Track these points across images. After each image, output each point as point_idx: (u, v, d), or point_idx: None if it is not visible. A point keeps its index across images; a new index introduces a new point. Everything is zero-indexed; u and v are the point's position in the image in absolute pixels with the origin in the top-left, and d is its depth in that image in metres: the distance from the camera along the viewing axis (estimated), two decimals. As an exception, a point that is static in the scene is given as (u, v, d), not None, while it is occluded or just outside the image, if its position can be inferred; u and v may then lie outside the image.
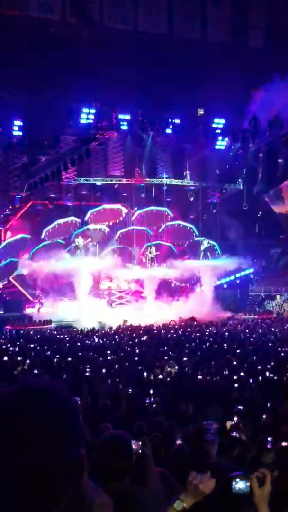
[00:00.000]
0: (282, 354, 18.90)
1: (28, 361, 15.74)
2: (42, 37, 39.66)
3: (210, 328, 29.61)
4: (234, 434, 7.87)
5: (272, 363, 16.45)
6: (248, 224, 43.68)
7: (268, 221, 46.66)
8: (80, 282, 35.05)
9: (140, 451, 3.54)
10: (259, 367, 15.86)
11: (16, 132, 36.39)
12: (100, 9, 44.13)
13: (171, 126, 37.92)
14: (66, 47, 40.07)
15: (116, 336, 25.63)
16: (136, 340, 23.62)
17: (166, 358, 18.26)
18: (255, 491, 2.61)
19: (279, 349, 20.27)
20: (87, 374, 14.34)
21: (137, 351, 19.77)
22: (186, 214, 43.04)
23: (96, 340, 24.07)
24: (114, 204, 40.40)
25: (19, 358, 16.36)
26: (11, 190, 38.09)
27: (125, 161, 40.89)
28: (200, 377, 14.27)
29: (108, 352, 19.54)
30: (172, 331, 27.86)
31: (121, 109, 35.71)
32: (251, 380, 13.87)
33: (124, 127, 36.30)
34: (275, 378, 14.15)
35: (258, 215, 46.85)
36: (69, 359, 17.36)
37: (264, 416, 10.09)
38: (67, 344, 21.97)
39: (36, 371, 13.43)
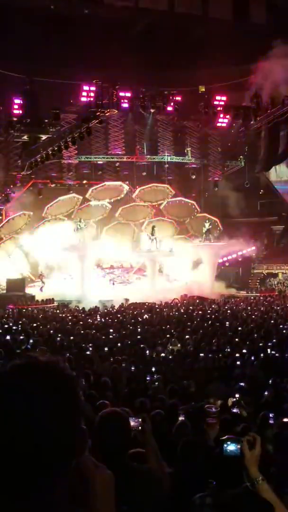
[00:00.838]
0: (284, 331, 18.98)
1: (31, 340, 15.84)
2: (42, 15, 39.20)
3: (213, 306, 29.69)
4: (235, 410, 7.93)
5: (274, 341, 16.53)
6: (250, 202, 43.55)
7: (270, 198, 46.52)
8: (82, 261, 35.11)
9: (140, 428, 3.56)
10: (260, 345, 15.95)
11: (16, 111, 36.14)
12: (101, -15, 43.55)
13: (172, 104, 37.61)
14: (66, 24, 39.63)
15: (119, 315, 25.71)
16: (139, 319, 23.71)
17: (168, 336, 18.36)
18: (246, 454, 2.67)
19: (281, 326, 20.35)
20: (89, 352, 14.44)
21: (140, 329, 19.85)
22: (188, 192, 42.91)
23: (99, 318, 24.17)
24: (115, 182, 40.33)
25: (21, 337, 16.45)
26: (12, 169, 37.96)
27: (126, 139, 40.66)
28: (202, 355, 14.35)
29: (111, 330, 19.64)
30: (174, 310, 27.96)
31: (122, 87, 35.41)
32: (252, 358, 13.95)
33: (125, 104, 36.03)
34: (277, 355, 14.23)
35: (260, 192, 46.68)
36: (72, 337, 17.46)
37: (266, 393, 10.17)
38: (70, 323, 22.06)
39: (38, 350, 13.51)
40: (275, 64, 35.59)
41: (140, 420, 3.58)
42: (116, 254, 38.19)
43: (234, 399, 9.60)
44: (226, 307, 29.23)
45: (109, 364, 12.78)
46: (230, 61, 38.67)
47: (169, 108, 37.90)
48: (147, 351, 15.15)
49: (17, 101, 36.12)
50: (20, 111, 36.20)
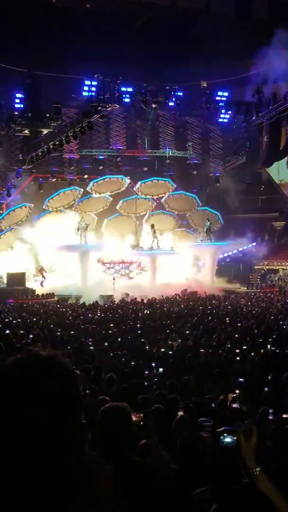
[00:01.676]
0: (284, 327, 18.99)
1: (31, 335, 15.86)
2: (43, 9, 39.09)
3: (213, 302, 29.69)
4: (235, 405, 7.93)
5: (274, 336, 16.54)
6: (250, 198, 43.52)
7: (271, 194, 46.51)
8: (83, 259, 35.30)
9: (141, 423, 3.57)
10: (260, 340, 15.96)
11: (18, 105, 36.11)
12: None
13: (173, 99, 37.55)
14: (68, 19, 39.54)
15: (119, 310, 25.72)
16: (139, 314, 23.72)
17: (168, 331, 18.37)
18: (242, 445, 2.68)
19: (281, 322, 20.36)
20: (90, 347, 14.46)
21: (140, 324, 19.87)
22: (189, 188, 42.89)
23: (99, 313, 24.18)
24: (116, 176, 40.36)
25: (21, 331, 16.47)
26: (13, 163, 37.94)
27: (128, 134, 40.63)
28: (202, 350, 14.37)
29: (111, 325, 19.66)
30: (174, 305, 27.97)
31: (124, 82, 35.34)
32: (252, 353, 13.96)
33: (127, 99, 35.97)
34: (277, 351, 14.25)
35: (261, 188, 46.66)
36: (72, 332, 17.48)
37: (265, 389, 10.19)
38: (70, 318, 22.09)
39: (39, 344, 13.53)
40: (277, 60, 35.51)
41: (141, 415, 3.59)
42: (117, 253, 38.21)
43: (234, 395, 9.62)
44: (226, 303, 29.24)
45: (109, 359, 12.81)
46: (232, 56, 38.56)
47: (171, 103, 37.85)
48: (147, 346, 15.17)
49: (18, 95, 36.11)
50: (22, 105, 36.19)
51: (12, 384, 1.33)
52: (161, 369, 11.86)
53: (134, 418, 3.43)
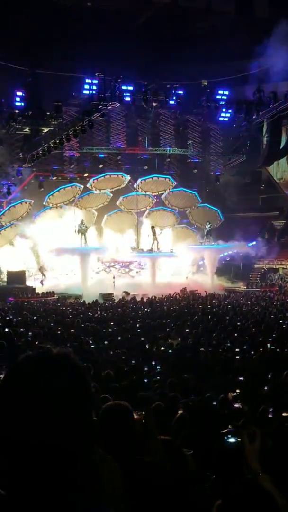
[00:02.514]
0: (284, 326, 19.01)
1: (30, 333, 15.89)
2: (45, 7, 39.07)
3: (213, 301, 29.72)
4: (237, 405, 7.96)
5: (274, 335, 16.56)
6: (251, 197, 43.52)
7: (271, 193, 46.48)
8: (83, 260, 35.59)
9: (142, 421, 3.58)
10: (260, 339, 15.98)
11: (18, 103, 36.09)
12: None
13: (174, 97, 37.53)
14: (68, 17, 39.51)
15: (119, 308, 25.75)
16: (139, 312, 23.75)
17: (168, 330, 18.40)
18: (246, 447, 2.70)
19: (281, 321, 20.37)
20: (90, 345, 14.48)
21: (140, 323, 19.89)
22: (189, 186, 42.90)
23: (99, 312, 24.21)
24: (117, 173, 40.43)
25: (21, 330, 16.50)
26: (13, 161, 37.92)
27: (128, 133, 40.62)
28: (202, 349, 14.39)
29: (111, 323, 19.69)
30: (174, 304, 27.99)
31: (124, 80, 35.31)
32: (252, 352, 13.99)
33: (127, 98, 35.94)
34: (277, 350, 14.27)
35: (261, 187, 46.65)
36: (72, 330, 17.50)
37: (265, 387, 10.21)
38: (70, 316, 22.11)
39: (38, 342, 13.54)
40: (278, 58, 35.51)
41: (142, 413, 3.61)
42: (117, 254, 38.29)
43: (234, 393, 9.65)
44: (226, 302, 29.27)
45: (109, 357, 12.84)
46: (232, 55, 38.54)
47: (171, 102, 37.82)
48: (147, 345, 15.20)
49: (19, 93, 36.08)
50: (22, 104, 36.16)
51: (25, 381, 1.35)
52: (160, 368, 11.90)
53: (135, 416, 3.44)
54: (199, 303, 27.89)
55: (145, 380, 10.28)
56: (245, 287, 38.75)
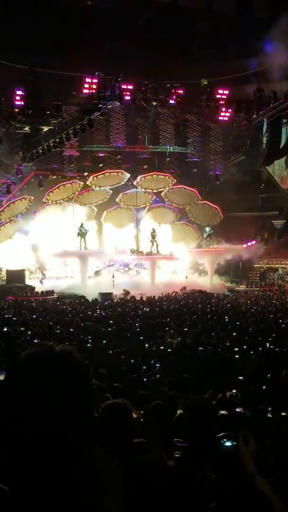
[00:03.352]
0: (283, 326, 19.02)
1: (29, 332, 15.88)
2: (44, 6, 39.06)
3: (212, 300, 29.73)
4: (238, 410, 7.93)
5: (274, 335, 16.57)
6: (250, 196, 43.53)
7: (271, 193, 46.49)
8: (82, 261, 35.78)
9: (141, 420, 3.58)
10: (259, 339, 15.99)
11: (18, 102, 36.03)
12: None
13: (174, 97, 37.48)
14: (69, 16, 39.50)
15: (118, 308, 25.76)
16: (138, 312, 23.75)
17: (167, 329, 18.41)
18: (242, 449, 2.70)
19: (280, 321, 20.39)
20: (88, 345, 14.47)
21: (139, 322, 19.89)
22: (189, 185, 42.89)
23: (98, 311, 24.21)
24: (116, 170, 40.48)
25: (21, 329, 16.48)
26: (13, 160, 37.89)
27: (128, 132, 40.60)
28: (201, 348, 14.40)
29: (111, 322, 19.69)
30: (174, 303, 28.00)
31: (124, 79, 35.27)
32: (251, 352, 14.00)
33: (127, 97, 35.88)
34: (276, 349, 14.28)
35: (261, 187, 46.65)
36: (71, 329, 17.50)
37: (264, 387, 10.21)
38: (69, 315, 22.11)
39: (36, 341, 13.53)
40: (278, 58, 35.52)
41: (141, 412, 3.61)
42: (117, 257, 38.31)
43: (233, 393, 9.64)
44: (225, 301, 29.28)
45: (108, 356, 12.83)
46: (233, 55, 38.55)
47: (171, 101, 37.76)
48: (146, 344, 15.20)
49: (19, 92, 35.97)
50: (22, 102, 36.09)
51: (27, 378, 1.36)
52: (159, 367, 11.89)
53: (134, 416, 3.44)
54: (199, 303, 27.90)
55: (144, 379, 10.28)
56: (245, 287, 38.76)
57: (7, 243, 37.42)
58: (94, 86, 33.45)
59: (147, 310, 24.60)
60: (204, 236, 39.78)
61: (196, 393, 9.33)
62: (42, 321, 19.55)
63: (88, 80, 33.70)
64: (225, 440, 2.76)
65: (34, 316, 21.12)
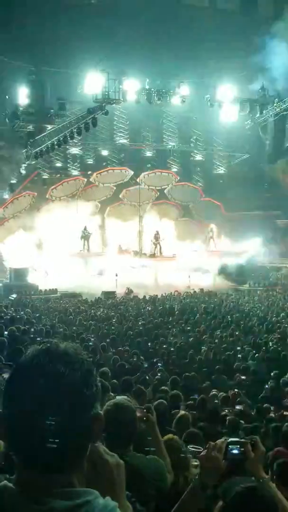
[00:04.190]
0: (286, 325, 19.00)
1: (32, 330, 15.90)
2: (48, 4, 39.03)
3: (215, 299, 29.71)
4: (238, 407, 7.97)
5: (277, 336, 16.54)
6: (254, 195, 43.46)
7: (275, 192, 46.39)
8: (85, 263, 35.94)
9: (144, 418, 3.59)
10: (262, 339, 15.98)
11: (22, 100, 36.10)
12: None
13: (178, 95, 37.44)
14: (73, 14, 39.47)
15: (121, 306, 25.77)
16: (141, 310, 23.76)
17: (170, 327, 18.41)
18: (249, 456, 2.71)
19: (283, 320, 20.36)
20: (91, 343, 14.49)
21: (142, 321, 19.89)
22: (192, 184, 42.94)
23: (101, 310, 24.22)
24: (120, 167, 40.53)
25: (26, 327, 16.49)
26: (17, 158, 37.94)
27: (132, 130, 40.64)
28: (204, 347, 14.40)
29: (114, 320, 19.71)
30: (177, 302, 27.99)
31: (128, 78, 35.25)
32: (254, 351, 13.99)
33: (131, 96, 35.87)
34: (279, 349, 14.28)
35: (265, 186, 46.56)
36: (74, 328, 17.51)
37: (266, 386, 10.23)
38: (73, 314, 22.13)
39: (42, 339, 13.53)
40: (282, 56, 35.45)
41: (144, 410, 3.62)
42: (119, 260, 38.33)
43: (235, 392, 9.66)
44: (228, 300, 29.25)
45: (111, 355, 12.85)
46: (237, 53, 38.48)
47: (175, 100, 37.73)
48: (149, 343, 15.21)
49: (23, 90, 36.07)
50: (26, 101, 36.17)
51: (32, 375, 1.38)
52: (162, 366, 11.91)
53: (138, 414, 3.45)
54: (202, 302, 27.88)
55: (146, 378, 10.31)
56: (248, 286, 38.69)
57: (10, 240, 37.44)
58: (98, 85, 33.45)
59: (150, 309, 24.60)
60: (207, 238, 39.80)
61: (198, 392, 9.35)
62: (45, 320, 19.59)
63: (92, 78, 33.71)
64: (232, 447, 2.76)
65: (37, 315, 21.15)
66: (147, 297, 29.38)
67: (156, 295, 30.02)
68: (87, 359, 1.48)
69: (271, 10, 45.20)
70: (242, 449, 2.72)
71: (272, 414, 8.12)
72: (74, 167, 40.49)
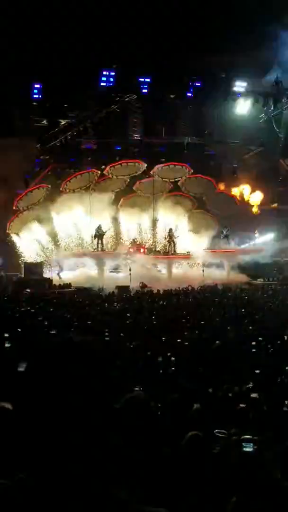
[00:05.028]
0: (301, 319, 18.93)
1: (46, 323, 15.99)
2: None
3: (229, 294, 29.66)
4: (254, 395, 7.94)
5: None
6: (268, 189, 43.24)
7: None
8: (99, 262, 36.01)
9: (159, 413, 3.61)
10: (277, 332, 15.94)
11: (36, 95, 36.17)
12: None
13: (192, 89, 37.35)
14: (85, 9, 39.39)
15: (135, 301, 25.81)
16: (155, 305, 23.78)
17: (184, 321, 18.42)
18: (263, 452, 2.71)
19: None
20: (105, 337, 14.53)
21: (156, 315, 19.92)
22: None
23: (115, 304, 24.28)
24: (133, 160, 40.48)
25: (39, 320, 16.60)
26: (31, 154, 38.03)
27: (145, 124, 40.57)
28: (218, 341, 14.39)
29: (128, 315, 19.75)
30: (190, 296, 27.98)
31: (142, 72, 35.22)
32: (269, 345, 13.97)
33: (145, 90, 35.85)
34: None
35: (279, 180, 46.29)
36: (89, 322, 17.58)
37: (281, 380, 10.20)
38: (86, 308, 22.20)
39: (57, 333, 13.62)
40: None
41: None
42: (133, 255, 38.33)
43: (249, 386, 9.65)
44: (243, 295, 29.19)
45: (125, 349, 12.89)
46: (251, 47, 38.19)
47: (189, 94, 37.64)
48: (163, 337, 15.22)
49: (36, 85, 36.14)
50: (40, 96, 36.23)
51: (47, 368, 1.40)
52: (176, 360, 11.91)
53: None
54: (215, 296, 27.85)
55: (160, 372, 10.33)
56: (262, 280, 38.53)
57: (25, 233, 37.60)
58: (111, 79, 33.46)
59: (164, 303, 24.62)
60: (221, 237, 39.58)
61: (213, 386, 9.35)
62: (60, 314, 19.67)
63: (105, 73, 33.73)
64: (245, 445, 2.77)
65: (51, 309, 21.25)
66: (161, 291, 29.40)
67: (170, 289, 30.02)
68: (102, 352, 1.50)
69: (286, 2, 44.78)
70: (256, 446, 2.73)
71: (286, 408, 8.11)
72: (87, 162, 40.52)
